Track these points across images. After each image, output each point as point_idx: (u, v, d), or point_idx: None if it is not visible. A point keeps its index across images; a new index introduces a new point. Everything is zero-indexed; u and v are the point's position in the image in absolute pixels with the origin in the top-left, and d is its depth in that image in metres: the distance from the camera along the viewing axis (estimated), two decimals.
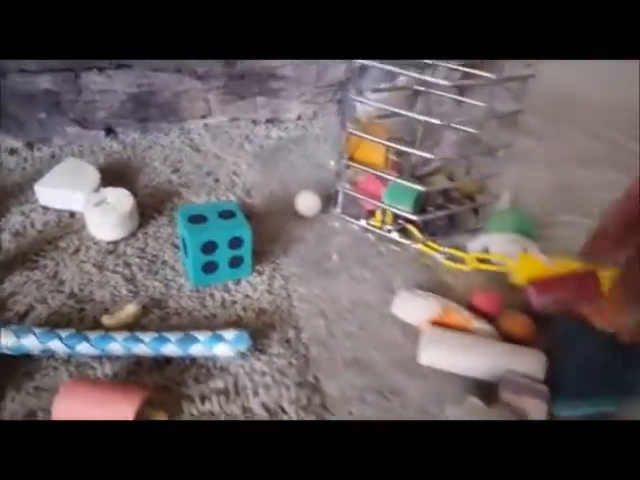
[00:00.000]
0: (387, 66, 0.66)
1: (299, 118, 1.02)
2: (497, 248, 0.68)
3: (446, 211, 0.71)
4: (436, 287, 0.62)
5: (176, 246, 0.65)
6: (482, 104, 0.75)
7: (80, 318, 0.54)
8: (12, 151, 0.82)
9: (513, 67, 0.68)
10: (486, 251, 0.68)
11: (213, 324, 0.55)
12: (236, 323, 0.55)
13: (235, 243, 0.58)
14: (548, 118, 1.04)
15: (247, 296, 0.59)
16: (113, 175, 0.76)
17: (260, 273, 0.63)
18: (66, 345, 0.47)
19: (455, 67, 0.88)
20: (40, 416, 0.44)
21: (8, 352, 0.47)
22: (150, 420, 0.42)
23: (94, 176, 0.71)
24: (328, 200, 0.76)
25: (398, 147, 0.68)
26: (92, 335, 0.48)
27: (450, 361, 0.51)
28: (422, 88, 0.83)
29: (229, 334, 0.49)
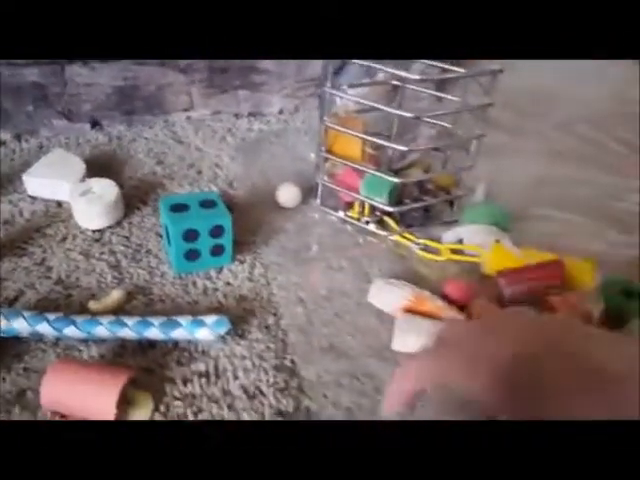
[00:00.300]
0: (364, 62, 0.69)
1: (281, 112, 1.05)
2: (471, 239, 0.71)
3: (421, 203, 0.74)
4: (411, 277, 0.66)
5: (160, 235, 0.68)
6: (456, 99, 0.78)
7: (67, 303, 0.56)
8: (0, 143, 0.83)
9: (486, 62, 0.71)
10: (460, 242, 0.71)
11: (195, 310, 0.57)
12: (217, 309, 0.58)
13: (216, 231, 0.61)
14: (523, 114, 1.08)
15: (228, 283, 0.62)
16: (99, 166, 0.78)
17: (241, 262, 0.65)
18: (54, 328, 0.49)
19: (431, 63, 0.92)
20: (29, 395, 0.46)
21: None
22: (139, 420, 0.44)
23: (80, 167, 0.73)
24: (308, 192, 0.79)
25: (374, 140, 0.71)
26: (79, 319, 0.50)
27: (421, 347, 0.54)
28: (399, 83, 0.86)
29: (210, 319, 0.52)
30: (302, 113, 1.05)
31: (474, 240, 0.71)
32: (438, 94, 0.83)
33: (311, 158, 0.89)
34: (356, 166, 0.73)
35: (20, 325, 0.49)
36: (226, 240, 0.62)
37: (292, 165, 0.87)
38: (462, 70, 0.76)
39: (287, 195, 0.77)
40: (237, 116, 1.01)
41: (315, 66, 1.03)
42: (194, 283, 0.61)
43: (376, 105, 0.70)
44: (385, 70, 0.73)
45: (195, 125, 0.95)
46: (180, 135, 0.91)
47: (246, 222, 0.72)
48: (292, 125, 1.01)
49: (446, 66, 0.84)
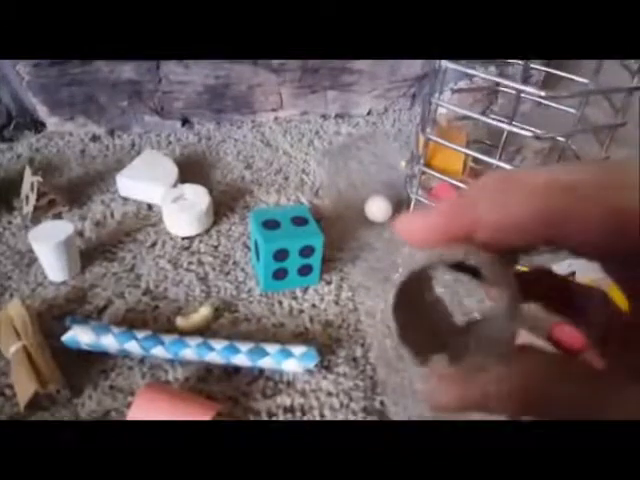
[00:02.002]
0: (467, 69, 0.62)
1: (369, 113, 0.99)
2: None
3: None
4: None
5: (247, 246, 0.65)
6: (571, 110, 0.69)
7: (155, 316, 0.55)
8: (95, 138, 0.85)
9: (612, 70, 0.62)
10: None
11: (280, 334, 0.55)
12: (303, 335, 0.55)
13: (306, 251, 0.58)
14: None
15: (314, 306, 0.59)
16: (189, 168, 0.77)
17: (327, 282, 0.61)
18: (142, 347, 0.48)
19: (541, 68, 0.83)
20: (114, 417, 0.45)
21: (86, 348, 0.49)
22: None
23: (173, 170, 0.72)
24: (398, 204, 0.74)
25: (478, 156, 0.64)
26: (167, 339, 0.49)
27: None
28: (504, 89, 0.78)
29: (298, 349, 0.49)
30: (391, 115, 1.00)
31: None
32: (548, 103, 0.74)
33: (401, 167, 0.83)
34: (458, 183, 0.67)
35: (108, 341, 0.48)
36: (315, 260, 0.59)
37: (381, 174, 0.82)
38: (585, 81, 0.68)
39: (376, 210, 0.72)
40: (325, 117, 0.97)
41: (409, 66, 0.96)
42: (280, 303, 0.58)
43: (486, 119, 0.63)
44: (491, 79, 0.66)
45: (283, 127, 0.92)
46: (268, 137, 0.89)
47: (332, 237, 0.68)
48: (381, 129, 0.95)
49: (556, 71, 0.75)
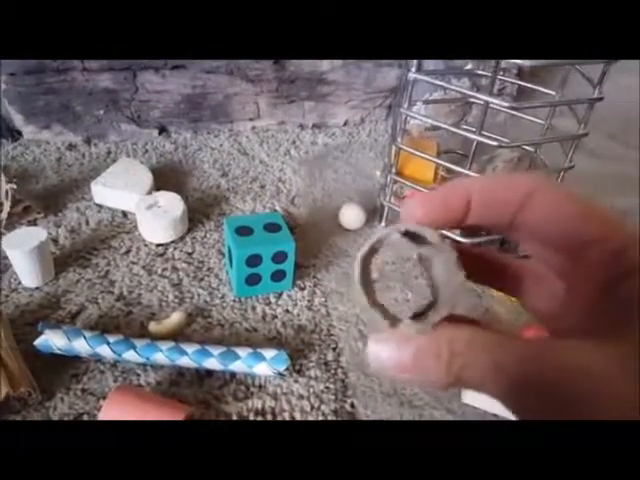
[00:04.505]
0: (437, 81, 0.64)
1: (345, 123, 1.01)
2: None
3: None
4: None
5: (222, 253, 0.66)
6: (540, 121, 0.72)
7: (127, 322, 0.56)
8: (71, 146, 0.85)
9: (576, 82, 0.65)
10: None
11: (253, 338, 0.55)
12: (276, 339, 0.56)
13: (279, 257, 0.59)
14: (617, 139, 0.99)
15: (287, 311, 0.60)
16: (165, 176, 0.78)
17: (301, 288, 0.63)
18: (113, 351, 0.48)
19: (510, 80, 0.86)
20: (85, 419, 0.46)
21: (59, 352, 0.49)
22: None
23: (148, 178, 0.73)
24: (373, 212, 0.76)
25: (448, 165, 0.67)
26: (139, 343, 0.49)
27: (495, 403, 0.49)
28: (476, 100, 0.81)
29: (269, 353, 0.50)
30: (368, 125, 1.02)
31: None
32: (519, 114, 0.77)
33: (376, 176, 0.85)
34: (425, 191, 0.69)
35: (80, 345, 0.48)
36: (288, 266, 0.60)
37: (356, 183, 0.84)
38: (552, 92, 0.71)
39: (350, 217, 0.74)
40: (302, 127, 0.98)
41: (384, 77, 0.99)
42: (253, 308, 0.59)
43: (455, 129, 0.65)
44: (464, 92, 0.69)
45: (260, 136, 0.93)
46: (245, 146, 0.90)
47: (307, 243, 0.69)
48: (357, 139, 0.97)
49: (526, 84, 0.78)
